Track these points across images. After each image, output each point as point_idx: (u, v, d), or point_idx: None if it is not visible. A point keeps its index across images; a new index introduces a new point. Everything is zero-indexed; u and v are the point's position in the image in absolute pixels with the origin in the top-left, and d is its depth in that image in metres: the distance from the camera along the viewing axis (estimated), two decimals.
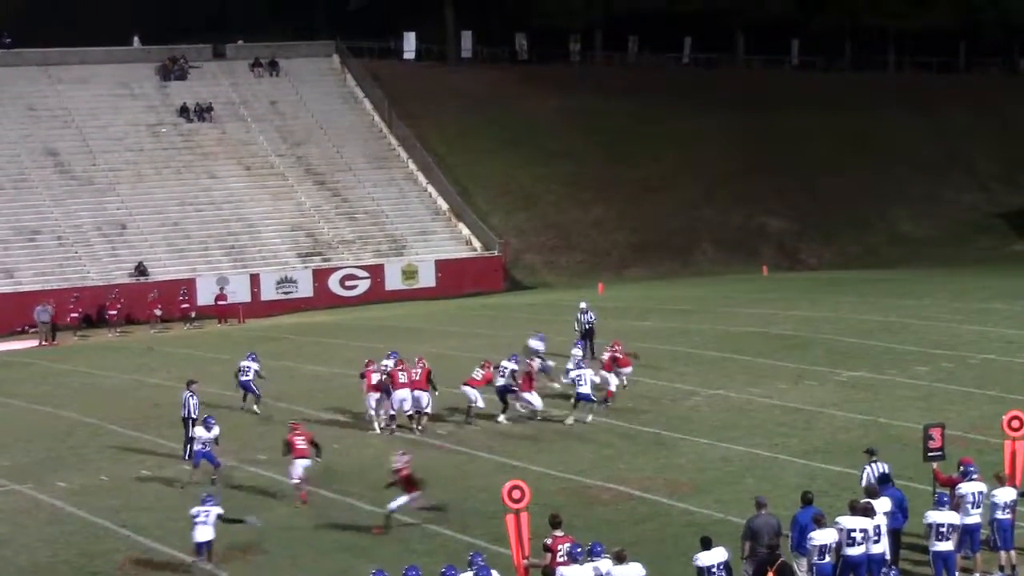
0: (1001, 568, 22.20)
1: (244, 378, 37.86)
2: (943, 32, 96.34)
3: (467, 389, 34.53)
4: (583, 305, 44.81)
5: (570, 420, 34.36)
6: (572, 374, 35.17)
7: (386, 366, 35.04)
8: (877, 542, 20.88)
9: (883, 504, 21.69)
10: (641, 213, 77.40)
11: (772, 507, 22.06)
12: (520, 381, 34.78)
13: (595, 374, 35.32)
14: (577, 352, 37.71)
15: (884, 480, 22.72)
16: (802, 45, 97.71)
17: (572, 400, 34.67)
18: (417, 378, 34.11)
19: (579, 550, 20.25)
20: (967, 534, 22.01)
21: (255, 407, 37.59)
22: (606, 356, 36.98)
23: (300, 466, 28.51)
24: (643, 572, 20.17)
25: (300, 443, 28.73)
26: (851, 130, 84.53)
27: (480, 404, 34.50)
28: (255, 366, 38.12)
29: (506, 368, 34.84)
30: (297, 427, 29.50)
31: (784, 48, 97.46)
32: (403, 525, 26.28)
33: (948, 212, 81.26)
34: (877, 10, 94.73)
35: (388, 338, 51.09)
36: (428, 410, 34.22)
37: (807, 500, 21.86)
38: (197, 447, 30.04)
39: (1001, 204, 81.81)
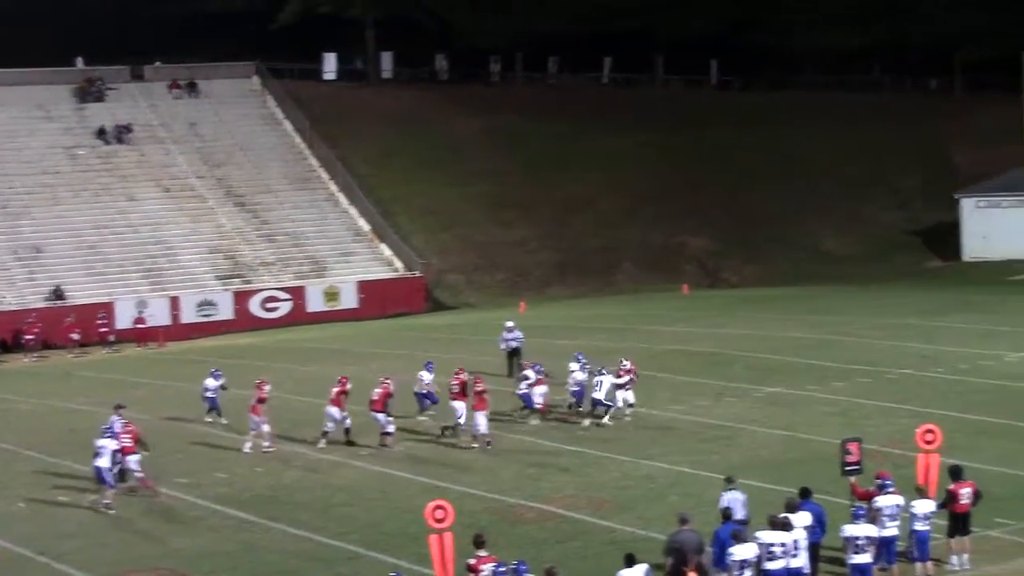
0: None
1: (208, 395, 38.47)
2: (861, 51, 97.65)
3: (455, 404, 34.76)
4: (509, 324, 44.86)
5: (606, 419, 35.58)
6: (594, 379, 35.89)
7: (421, 377, 36.43)
8: (796, 556, 21.10)
9: (802, 518, 21.90)
10: (563, 232, 77.70)
11: (694, 523, 22.22)
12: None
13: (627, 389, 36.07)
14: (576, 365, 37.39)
15: (805, 494, 22.96)
16: (721, 65, 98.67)
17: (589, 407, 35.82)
18: (376, 398, 34.33)
19: (503, 569, 20.27)
20: (884, 547, 22.26)
21: (207, 418, 38.15)
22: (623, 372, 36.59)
23: (130, 461, 30.49)
24: None
25: (126, 440, 30.57)
26: (771, 149, 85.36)
27: (463, 421, 34.65)
28: (213, 383, 38.42)
29: (529, 377, 36.09)
30: (127, 425, 31.16)
31: (703, 68, 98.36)
32: (326, 546, 26.22)
33: (867, 229, 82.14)
34: (795, 30, 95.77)
35: (311, 360, 51.05)
36: (389, 430, 34.30)
37: (727, 516, 22.07)
38: (106, 464, 29.80)
39: (918, 221, 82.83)
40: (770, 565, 20.86)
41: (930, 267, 77.39)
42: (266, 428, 34.47)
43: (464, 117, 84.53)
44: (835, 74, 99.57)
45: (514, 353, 43.73)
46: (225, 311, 65.77)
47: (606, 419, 35.64)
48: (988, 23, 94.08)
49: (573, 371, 37.11)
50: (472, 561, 20.74)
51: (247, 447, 34.56)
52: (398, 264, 71.45)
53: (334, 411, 34.52)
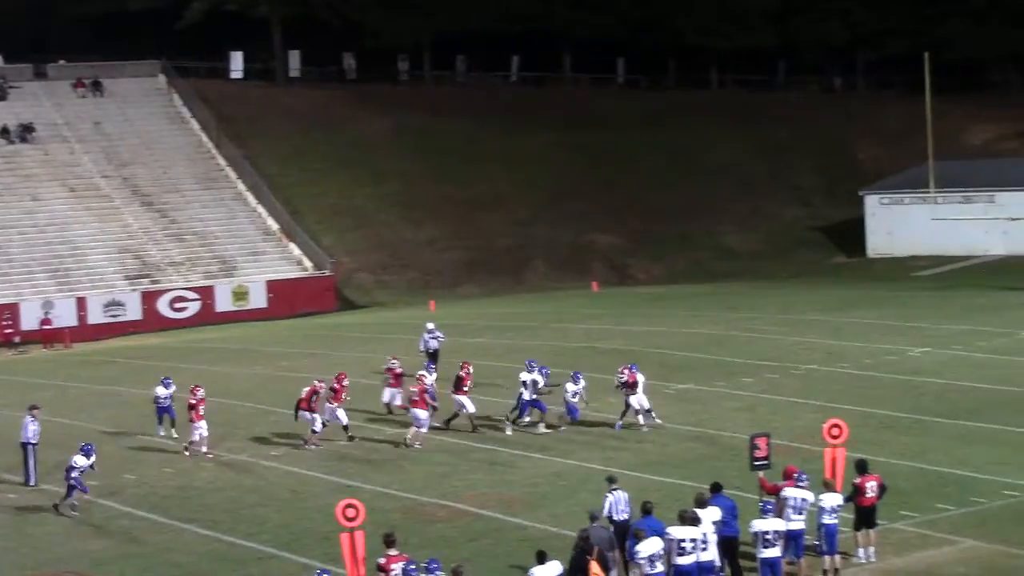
0: (825, 573, 22.84)
1: (160, 403, 37.11)
2: (763, 51, 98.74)
3: (461, 398, 35.18)
4: (430, 326, 44.59)
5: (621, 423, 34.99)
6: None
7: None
8: (705, 550, 21.36)
9: (711, 513, 22.16)
10: (473, 231, 77.81)
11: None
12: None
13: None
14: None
15: (716, 489, 23.21)
16: (627, 63, 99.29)
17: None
18: (303, 396, 34.35)
19: (414, 568, 20.32)
20: (791, 540, 22.56)
21: (160, 431, 36.85)
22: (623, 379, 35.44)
23: None
24: None
25: None
26: (676, 147, 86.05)
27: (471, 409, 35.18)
28: (164, 391, 37.34)
29: (528, 380, 35.32)
30: None
31: (610, 66, 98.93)
32: (237, 547, 26.16)
33: (771, 226, 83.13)
34: (699, 30, 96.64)
35: (220, 360, 50.73)
36: (316, 428, 34.26)
37: (646, 511, 22.21)
38: (74, 475, 29.28)
39: (821, 218, 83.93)
40: (681, 560, 21.08)
41: (835, 263, 78.42)
42: (196, 435, 34.11)
43: (372, 116, 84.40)
44: (739, 73, 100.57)
45: (434, 354, 43.56)
46: (133, 311, 65.19)
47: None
48: (891, 23, 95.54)
49: (523, 379, 36.54)
50: (382, 560, 20.77)
51: (206, 452, 34.18)
52: (307, 263, 71.20)
53: (335, 409, 34.65)
